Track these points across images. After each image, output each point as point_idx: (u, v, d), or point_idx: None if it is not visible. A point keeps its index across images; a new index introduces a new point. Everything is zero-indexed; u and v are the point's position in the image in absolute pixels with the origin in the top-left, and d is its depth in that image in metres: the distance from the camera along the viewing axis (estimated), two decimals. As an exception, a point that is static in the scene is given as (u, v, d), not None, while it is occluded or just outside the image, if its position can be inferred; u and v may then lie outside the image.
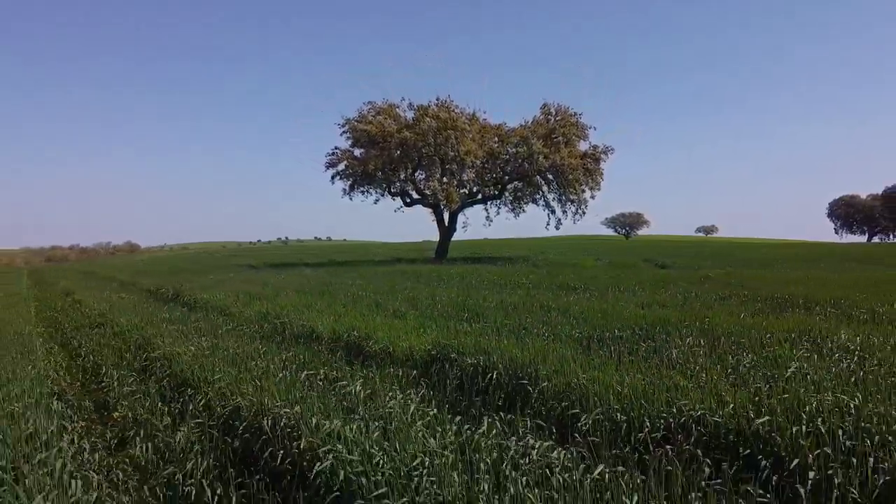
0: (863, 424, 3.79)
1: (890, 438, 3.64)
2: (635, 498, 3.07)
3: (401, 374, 6.03)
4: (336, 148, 35.81)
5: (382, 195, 36.06)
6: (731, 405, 4.27)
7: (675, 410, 4.34)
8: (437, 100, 34.18)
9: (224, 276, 25.06)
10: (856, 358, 5.74)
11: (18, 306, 16.37)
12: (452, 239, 38.49)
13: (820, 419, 3.90)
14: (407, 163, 34.03)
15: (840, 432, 3.73)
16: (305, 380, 5.56)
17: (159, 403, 5.93)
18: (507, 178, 35.59)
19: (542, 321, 8.90)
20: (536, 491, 3.08)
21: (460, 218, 37.22)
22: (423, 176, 34.70)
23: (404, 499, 3.06)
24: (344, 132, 35.27)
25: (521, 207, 36.23)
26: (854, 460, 3.46)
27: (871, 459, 3.45)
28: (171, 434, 4.93)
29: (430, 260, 34.65)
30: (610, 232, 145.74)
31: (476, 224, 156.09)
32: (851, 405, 4.16)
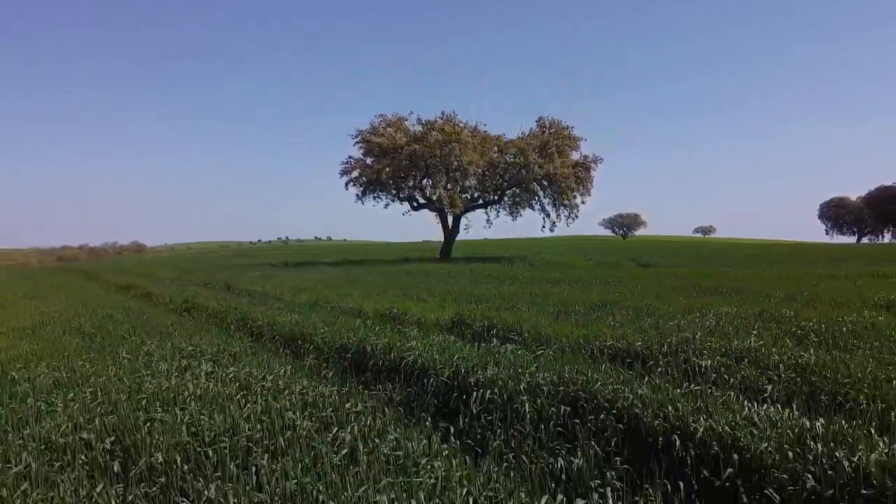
0: (700, 346, 7.16)
1: (705, 352, 6.99)
2: (594, 374, 6.44)
3: (434, 329, 9.46)
4: (350, 157, 39.34)
5: (392, 200, 39.56)
6: (628, 340, 7.66)
7: (597, 343, 7.74)
8: (442, 115, 37.75)
9: (256, 273, 28.50)
10: (720, 318, 9.19)
11: (129, 302, 19.31)
12: (455, 240, 41.98)
13: (675, 344, 7.29)
14: (415, 171, 37.51)
15: (683, 348, 7.12)
16: (380, 329, 8.99)
17: (281, 349, 9.34)
18: (505, 184, 39.08)
19: (529, 302, 12.35)
20: (521, 358, 6.48)
21: (462, 221, 40.79)
22: (430, 183, 38.19)
23: (448, 371, 6.43)
24: (357, 143, 38.83)
25: (518, 211, 39.76)
26: (684, 360, 6.86)
27: (692, 355, 6.83)
28: (301, 360, 8.32)
29: (436, 259, 38.11)
30: (608, 233, 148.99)
31: (477, 226, 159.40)
32: (696, 337, 7.56)
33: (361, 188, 38.77)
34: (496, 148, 38.90)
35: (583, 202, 37.48)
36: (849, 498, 3.46)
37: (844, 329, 8.13)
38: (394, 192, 38.81)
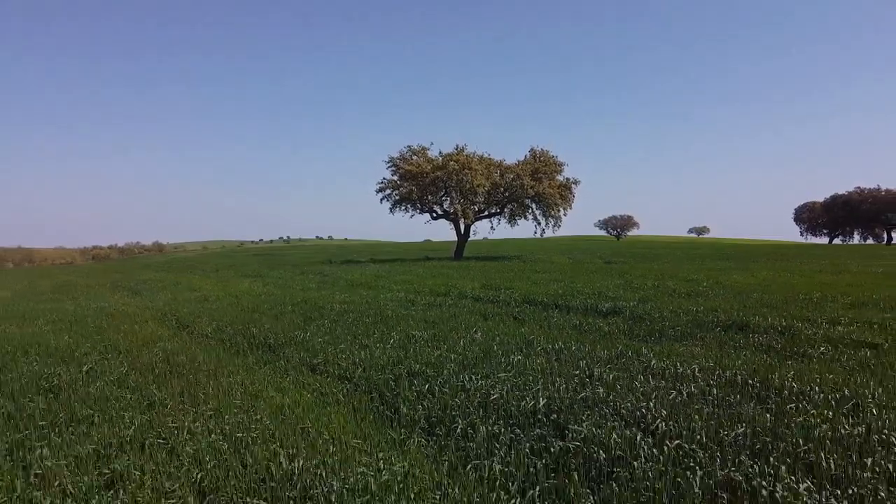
0: (577, 295, 18.21)
1: (578, 296, 18.02)
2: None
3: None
4: (384, 178, 50.79)
5: (417, 212, 50.91)
6: (557, 294, 18.77)
7: (546, 294, 18.84)
8: (457, 148, 49.19)
9: (328, 269, 39.66)
10: (599, 283, 20.43)
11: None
12: (466, 242, 53.35)
13: (581, 296, 18.40)
14: (436, 190, 48.85)
15: (582, 298, 18.20)
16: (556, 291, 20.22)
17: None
18: (505, 200, 50.40)
19: (520, 279, 23.59)
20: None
21: (471, 228, 52.16)
22: (447, 199, 49.59)
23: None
24: (390, 167, 50.25)
25: (515, 221, 51.20)
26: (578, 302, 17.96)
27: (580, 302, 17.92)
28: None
29: (452, 258, 49.41)
30: (602, 233, 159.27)
31: (482, 231, 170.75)
32: (573, 292, 18.72)
33: (393, 202, 50.11)
34: (498, 171, 50.19)
35: (565, 214, 48.93)
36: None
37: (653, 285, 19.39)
38: (419, 206, 50.14)
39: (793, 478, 4.21)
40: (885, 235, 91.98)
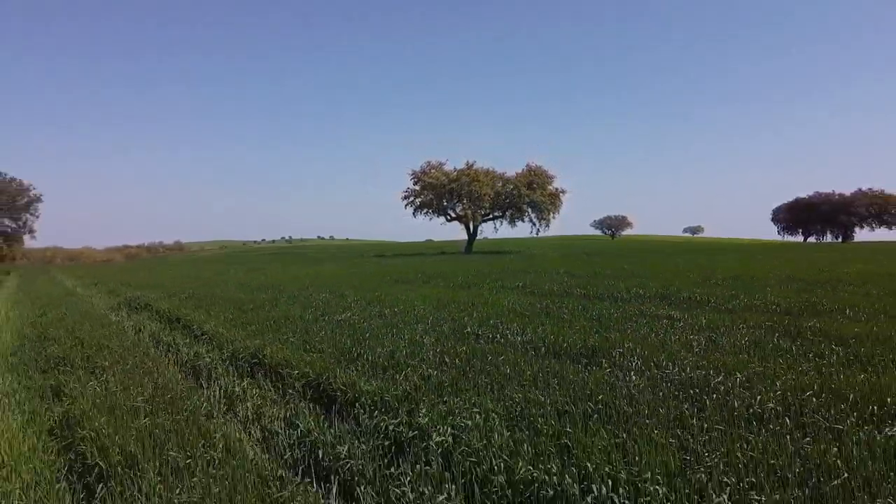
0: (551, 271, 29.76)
1: (556, 275, 29.57)
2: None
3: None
4: (408, 188, 62.81)
5: (435, 215, 62.82)
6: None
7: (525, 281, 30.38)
8: (467, 164, 61.14)
9: (377, 262, 51.21)
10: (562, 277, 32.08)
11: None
12: (474, 240, 65.20)
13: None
14: (450, 198, 60.75)
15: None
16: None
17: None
18: (506, 206, 62.22)
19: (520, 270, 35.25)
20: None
21: (479, 228, 64.05)
22: (459, 205, 61.50)
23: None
24: (412, 179, 62.10)
25: (514, 223, 63.13)
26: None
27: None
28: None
29: (463, 253, 61.18)
30: (598, 232, 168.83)
31: (487, 231, 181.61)
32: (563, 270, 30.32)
33: (416, 208, 62.02)
34: (500, 182, 62.00)
35: (554, 217, 60.90)
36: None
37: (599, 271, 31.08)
38: (436, 211, 62.05)
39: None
40: (839, 234, 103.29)
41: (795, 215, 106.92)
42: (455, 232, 65.34)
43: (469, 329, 9.33)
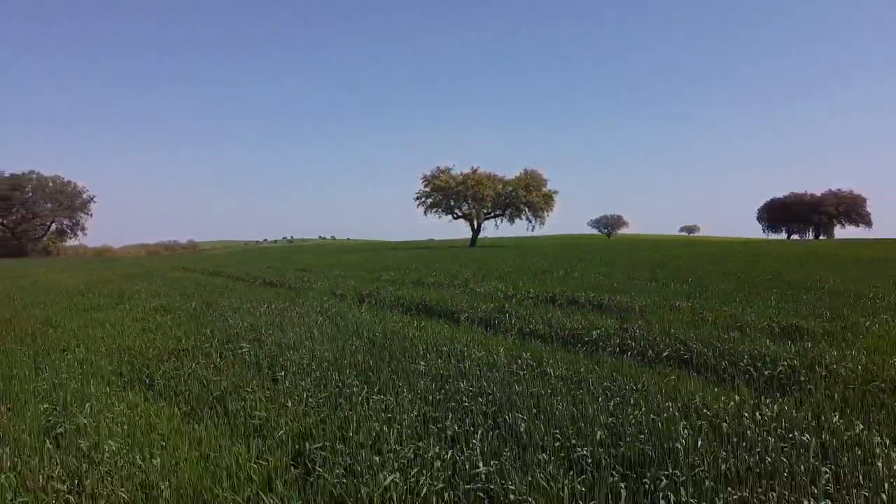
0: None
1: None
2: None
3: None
4: (420, 190, 71.83)
5: (444, 214, 71.87)
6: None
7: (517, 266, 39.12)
8: (472, 169, 70.16)
9: (400, 255, 59.99)
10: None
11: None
12: (478, 237, 74.22)
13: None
14: (457, 199, 69.76)
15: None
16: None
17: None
18: (505, 205, 71.18)
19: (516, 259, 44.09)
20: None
21: (482, 225, 73.16)
22: (465, 205, 70.52)
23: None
24: (423, 182, 71.12)
25: (513, 221, 72.23)
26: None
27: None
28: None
29: (469, 247, 70.15)
30: (595, 231, 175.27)
31: (488, 229, 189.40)
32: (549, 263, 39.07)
33: (427, 207, 71.02)
34: (500, 185, 70.97)
35: (548, 216, 69.98)
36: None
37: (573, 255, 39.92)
38: (445, 210, 71.10)
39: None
40: (810, 232, 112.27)
41: (773, 215, 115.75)
42: (455, 231, 74.45)
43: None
